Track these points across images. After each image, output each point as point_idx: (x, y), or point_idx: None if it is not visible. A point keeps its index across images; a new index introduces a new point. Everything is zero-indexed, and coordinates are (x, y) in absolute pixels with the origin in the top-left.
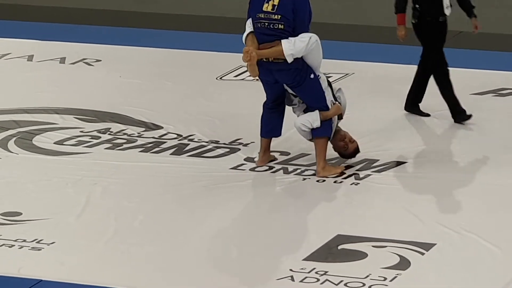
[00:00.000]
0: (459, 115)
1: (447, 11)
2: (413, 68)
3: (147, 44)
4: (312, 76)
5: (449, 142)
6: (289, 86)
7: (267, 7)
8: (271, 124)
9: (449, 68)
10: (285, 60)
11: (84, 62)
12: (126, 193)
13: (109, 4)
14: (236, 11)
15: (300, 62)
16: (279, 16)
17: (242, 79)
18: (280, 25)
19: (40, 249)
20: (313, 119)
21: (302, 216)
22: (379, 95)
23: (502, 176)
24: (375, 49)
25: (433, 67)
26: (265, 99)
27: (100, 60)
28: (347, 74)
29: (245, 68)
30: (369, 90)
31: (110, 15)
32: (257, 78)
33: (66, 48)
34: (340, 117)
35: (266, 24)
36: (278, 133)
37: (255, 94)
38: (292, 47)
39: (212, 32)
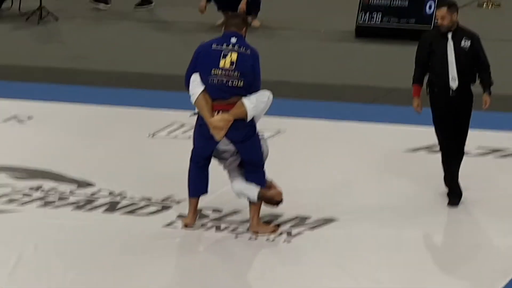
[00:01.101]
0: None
1: (453, 84)
2: (346, 125)
3: (79, 101)
4: (256, 131)
5: (380, 198)
6: (234, 142)
7: (224, 63)
8: (200, 183)
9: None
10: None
11: (15, 119)
12: (58, 251)
13: (41, 61)
14: (169, 67)
15: (251, 119)
16: (238, 73)
17: (175, 137)
18: (239, 82)
19: None
20: (253, 194)
21: (234, 274)
22: (312, 151)
23: (433, 231)
24: (308, 106)
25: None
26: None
27: (32, 117)
28: (279, 131)
29: (177, 126)
30: (302, 147)
31: (42, 72)
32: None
33: None
34: None
35: (224, 80)
36: (206, 190)
37: (188, 151)
38: (255, 109)
39: (145, 89)
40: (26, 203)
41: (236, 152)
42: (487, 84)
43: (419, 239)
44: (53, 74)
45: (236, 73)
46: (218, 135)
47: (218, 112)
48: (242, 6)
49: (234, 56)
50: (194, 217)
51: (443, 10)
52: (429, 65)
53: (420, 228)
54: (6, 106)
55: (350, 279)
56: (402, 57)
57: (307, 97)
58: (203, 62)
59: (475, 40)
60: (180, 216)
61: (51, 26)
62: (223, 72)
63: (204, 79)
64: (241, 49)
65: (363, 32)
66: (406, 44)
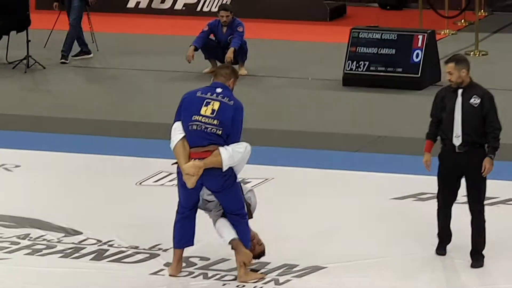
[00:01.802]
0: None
1: (456, 141)
2: (333, 173)
3: (66, 149)
4: (237, 182)
5: (369, 246)
6: (213, 191)
7: (205, 110)
8: (185, 234)
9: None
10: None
11: (3, 168)
12: None
13: (28, 109)
14: (156, 116)
15: (230, 168)
16: (218, 122)
17: (162, 184)
18: (218, 131)
19: None
20: (228, 237)
21: None
22: (299, 199)
23: (422, 280)
24: (294, 154)
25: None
26: None
27: (19, 166)
28: (266, 179)
29: (164, 174)
30: (289, 195)
31: (29, 120)
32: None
33: None
34: (249, 216)
35: (203, 127)
36: (191, 243)
37: (175, 200)
38: (231, 159)
39: (132, 138)
40: (13, 251)
41: (219, 204)
42: (490, 148)
43: (406, 287)
44: (40, 122)
45: (216, 121)
46: (189, 181)
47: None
48: (229, 55)
49: (217, 105)
50: (179, 268)
51: (451, 66)
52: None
53: (408, 276)
54: None
55: None
56: (388, 106)
57: (294, 145)
58: (186, 108)
59: (485, 98)
60: (167, 264)
61: (38, 75)
62: (203, 118)
63: (185, 126)
64: (225, 99)
65: (350, 81)
66: (392, 93)
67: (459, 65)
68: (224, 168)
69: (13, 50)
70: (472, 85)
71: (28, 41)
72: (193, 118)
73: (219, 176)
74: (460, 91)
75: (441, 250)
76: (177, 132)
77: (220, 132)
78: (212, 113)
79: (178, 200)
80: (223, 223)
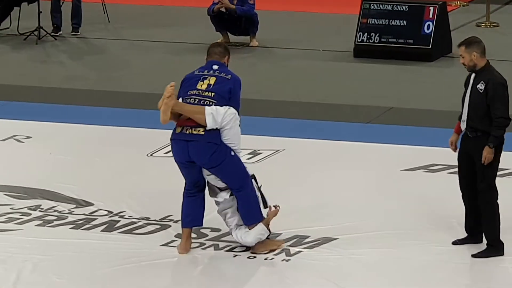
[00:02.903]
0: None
1: (462, 125)
2: (344, 144)
3: (78, 121)
4: (232, 153)
5: (380, 218)
6: (208, 168)
7: (201, 85)
8: (192, 214)
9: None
10: (204, 132)
11: (14, 139)
12: (56, 270)
13: (40, 81)
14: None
15: (218, 138)
16: (213, 94)
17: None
18: (211, 103)
19: None
20: (261, 232)
21: None
22: (310, 171)
23: (431, 251)
24: (305, 126)
25: None
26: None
27: (31, 137)
28: (277, 151)
29: None
30: (300, 166)
31: (41, 92)
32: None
33: None
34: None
35: (198, 100)
36: (199, 223)
37: None
38: (214, 108)
39: (143, 109)
40: (25, 222)
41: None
42: (491, 137)
43: (419, 259)
44: (51, 93)
45: (211, 94)
46: (164, 115)
47: (182, 129)
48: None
49: (213, 80)
50: (188, 245)
51: (462, 49)
52: None
53: (419, 247)
54: (4, 126)
55: None
56: (399, 77)
57: (305, 116)
58: (185, 85)
59: (490, 84)
60: (178, 235)
61: (49, 46)
62: (198, 92)
63: (183, 100)
64: (222, 74)
65: (361, 52)
66: (403, 64)
67: (469, 48)
68: (208, 118)
69: (24, 22)
70: (485, 70)
71: (39, 12)
72: (189, 93)
73: (204, 142)
74: (473, 75)
75: (458, 240)
76: None
77: (213, 104)
78: (207, 87)
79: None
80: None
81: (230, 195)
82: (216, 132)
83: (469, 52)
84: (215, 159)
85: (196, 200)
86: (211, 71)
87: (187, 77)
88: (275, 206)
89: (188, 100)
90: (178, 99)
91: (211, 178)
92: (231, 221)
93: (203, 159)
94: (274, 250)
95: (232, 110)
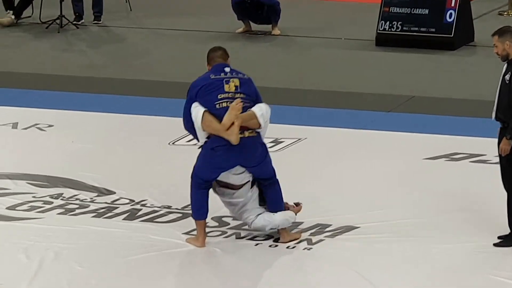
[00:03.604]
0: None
1: (493, 115)
2: (366, 133)
3: (99, 109)
4: (266, 148)
5: (402, 207)
6: (253, 165)
7: (228, 87)
8: (205, 205)
9: None
10: (257, 133)
11: (36, 127)
12: (78, 258)
13: (62, 69)
14: (189, 75)
15: (262, 136)
16: (244, 95)
17: (194, 144)
18: (245, 103)
19: None
20: (289, 215)
21: (253, 282)
22: (332, 160)
23: (452, 240)
24: (327, 114)
25: None
26: None
27: (53, 125)
28: (299, 139)
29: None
30: (322, 155)
31: (63, 80)
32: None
33: (18, 113)
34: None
35: (229, 103)
36: (208, 211)
37: None
38: (262, 111)
39: (165, 97)
40: (47, 210)
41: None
42: (509, 128)
43: (440, 249)
44: (73, 82)
45: (242, 95)
46: (233, 135)
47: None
48: None
49: (236, 81)
50: (205, 237)
51: (495, 38)
52: None
53: (440, 237)
54: (27, 114)
55: (371, 286)
56: (421, 66)
57: (327, 105)
58: (207, 91)
59: None
60: None
61: (71, 35)
62: (229, 95)
63: (211, 107)
64: (239, 75)
65: (383, 41)
66: (425, 53)
67: (502, 37)
68: (260, 120)
69: (46, 10)
70: None
71: (61, 1)
72: (219, 97)
73: (259, 143)
74: (505, 65)
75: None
76: (198, 109)
77: (248, 104)
78: (236, 89)
79: (195, 173)
80: (260, 221)
81: (251, 187)
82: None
83: (502, 41)
84: (262, 156)
85: (207, 192)
86: (228, 73)
87: (203, 83)
88: (297, 204)
89: (223, 104)
90: (193, 102)
91: (239, 177)
92: (253, 213)
93: (254, 159)
94: (295, 240)
95: (266, 106)
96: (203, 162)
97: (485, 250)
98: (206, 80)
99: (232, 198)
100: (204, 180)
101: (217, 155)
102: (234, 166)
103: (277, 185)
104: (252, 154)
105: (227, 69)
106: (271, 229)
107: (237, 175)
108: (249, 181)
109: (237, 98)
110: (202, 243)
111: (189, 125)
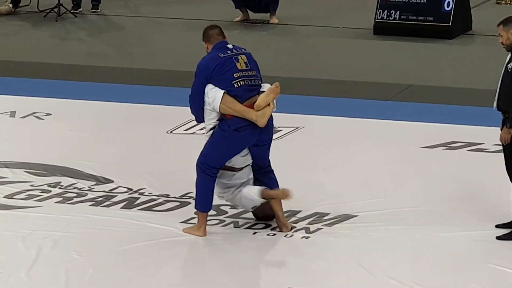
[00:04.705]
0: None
1: (494, 104)
2: (364, 122)
3: (97, 98)
4: None
5: (400, 195)
6: (264, 143)
7: (240, 65)
8: (211, 196)
9: None
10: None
11: (34, 116)
12: (76, 247)
13: (59, 58)
14: (187, 64)
15: None
16: (254, 72)
17: (193, 133)
18: (257, 81)
19: None
20: (254, 195)
21: (252, 270)
22: (330, 148)
23: (451, 229)
24: (325, 103)
25: None
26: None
27: (50, 114)
28: (297, 128)
29: (195, 122)
30: (319, 144)
31: (60, 69)
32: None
33: (16, 102)
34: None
35: (247, 81)
36: (212, 202)
37: None
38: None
39: (162, 86)
40: (44, 199)
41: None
42: (508, 117)
43: (438, 236)
44: (71, 71)
45: (253, 72)
46: (264, 117)
47: None
48: None
49: (244, 57)
50: (206, 228)
51: (500, 28)
52: None
53: (439, 226)
54: (24, 103)
55: (369, 275)
56: (419, 54)
57: (325, 94)
58: (221, 72)
59: None
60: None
61: (68, 23)
62: (244, 72)
63: (228, 86)
64: (242, 50)
65: (381, 29)
66: (423, 41)
67: (507, 26)
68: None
69: None
70: None
71: None
72: (235, 76)
73: (271, 121)
74: (510, 55)
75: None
76: (216, 90)
77: (258, 81)
78: (246, 66)
79: (204, 162)
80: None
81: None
82: None
83: (507, 30)
84: (272, 134)
85: (214, 181)
86: (234, 50)
87: (216, 64)
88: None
89: (241, 83)
90: (206, 84)
91: (244, 158)
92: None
93: (269, 135)
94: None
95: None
96: (217, 147)
97: (485, 239)
98: (217, 60)
99: (231, 180)
100: (213, 167)
101: (242, 136)
102: (251, 144)
103: (272, 173)
104: (270, 132)
105: (230, 46)
106: (254, 206)
107: (242, 157)
108: (249, 164)
109: (250, 75)
110: (204, 232)
111: (199, 107)
